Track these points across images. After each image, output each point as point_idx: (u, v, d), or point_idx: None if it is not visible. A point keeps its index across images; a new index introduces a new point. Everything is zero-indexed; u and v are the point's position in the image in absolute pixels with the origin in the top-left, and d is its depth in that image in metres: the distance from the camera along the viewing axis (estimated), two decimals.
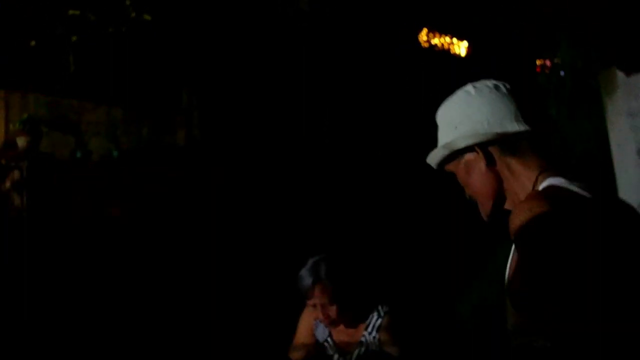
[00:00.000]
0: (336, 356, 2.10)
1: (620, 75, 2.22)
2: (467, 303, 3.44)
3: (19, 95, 3.80)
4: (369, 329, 2.04)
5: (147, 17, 3.49)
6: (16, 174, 3.66)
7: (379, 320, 2.04)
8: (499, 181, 1.17)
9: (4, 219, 3.57)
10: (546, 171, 1.11)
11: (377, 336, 2.02)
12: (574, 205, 0.98)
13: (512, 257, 1.09)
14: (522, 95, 1.18)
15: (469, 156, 1.19)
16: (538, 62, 2.91)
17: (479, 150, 1.17)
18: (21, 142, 3.72)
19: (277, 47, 3.87)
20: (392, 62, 3.51)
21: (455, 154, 1.20)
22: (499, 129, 1.15)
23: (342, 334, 2.10)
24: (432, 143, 1.24)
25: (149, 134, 4.00)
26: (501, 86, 1.20)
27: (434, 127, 1.25)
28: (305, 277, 2.06)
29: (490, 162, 1.16)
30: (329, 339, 2.13)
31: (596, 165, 2.60)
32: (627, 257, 0.93)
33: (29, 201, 3.66)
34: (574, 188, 1.04)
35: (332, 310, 2.02)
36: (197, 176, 4.00)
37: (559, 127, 2.61)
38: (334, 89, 3.72)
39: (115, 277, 3.71)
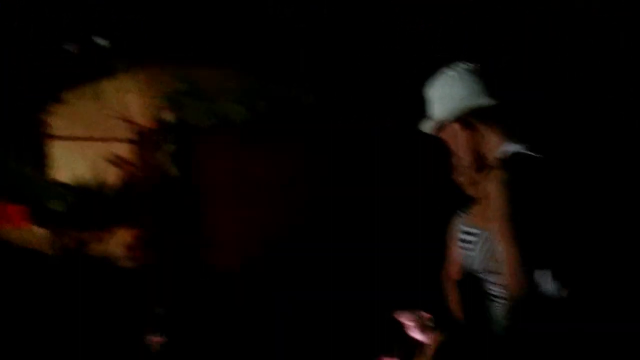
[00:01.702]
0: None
1: None
2: None
3: (159, 71, 4.08)
4: None
5: None
6: (169, 147, 4.04)
7: None
8: (477, 145, 1.48)
9: (163, 188, 4.01)
10: (510, 138, 1.44)
11: None
12: (525, 168, 1.35)
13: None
14: (496, 75, 1.51)
15: (453, 126, 1.50)
16: None
17: (460, 121, 1.47)
18: (167, 116, 4.07)
19: None
20: None
21: (443, 125, 1.51)
22: (475, 104, 1.45)
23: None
24: None
25: (282, 95, 4.18)
26: (477, 67, 1.50)
27: None
28: None
29: (470, 131, 1.48)
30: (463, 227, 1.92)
31: None
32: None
33: (183, 170, 4.06)
34: (528, 152, 1.39)
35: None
36: (330, 132, 4.17)
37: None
38: None
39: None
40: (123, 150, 4.02)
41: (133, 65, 4.05)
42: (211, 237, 4.06)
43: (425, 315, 1.87)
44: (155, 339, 3.34)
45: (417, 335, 1.82)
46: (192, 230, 4.04)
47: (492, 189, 1.37)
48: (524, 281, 1.34)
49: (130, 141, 3.97)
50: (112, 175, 4.05)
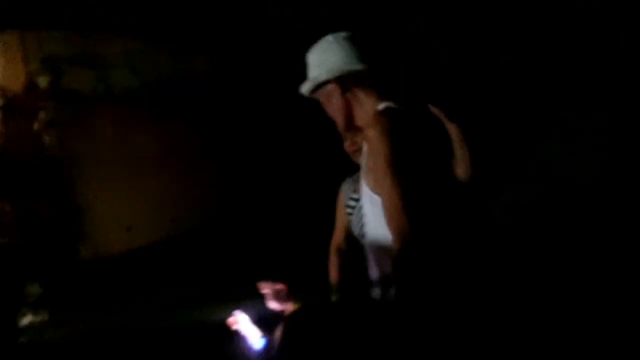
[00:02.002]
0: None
1: None
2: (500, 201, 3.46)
3: (34, 34, 3.74)
4: None
5: None
6: (43, 114, 3.69)
7: None
8: (350, 106, 1.59)
9: (37, 159, 3.64)
10: (380, 98, 1.55)
11: None
12: (399, 118, 1.48)
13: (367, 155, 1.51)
14: (368, 44, 1.62)
15: (329, 87, 1.60)
16: None
17: (335, 83, 1.57)
18: (43, 82, 3.72)
19: None
20: None
21: (319, 86, 1.61)
22: (349, 67, 1.56)
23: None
24: None
25: (169, 62, 3.97)
26: (351, 35, 1.61)
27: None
28: None
29: (344, 92, 1.58)
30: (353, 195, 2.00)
31: None
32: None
33: (60, 140, 3.72)
34: (397, 107, 1.53)
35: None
36: (219, 101, 4.00)
37: None
38: None
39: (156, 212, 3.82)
40: None
41: (5, 26, 3.68)
42: (92, 214, 3.75)
43: (280, 286, 1.85)
44: (31, 318, 2.99)
45: (274, 305, 1.81)
46: (67, 207, 3.71)
47: (370, 142, 1.46)
48: (408, 229, 1.36)
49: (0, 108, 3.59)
50: None
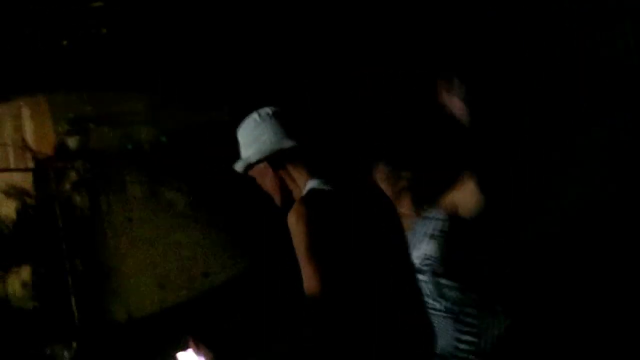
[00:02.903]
0: None
1: None
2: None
3: (60, 95, 3.80)
4: None
5: None
6: (73, 175, 3.71)
7: None
8: (283, 183, 1.62)
9: (69, 221, 3.65)
10: (311, 175, 1.58)
11: None
12: (322, 202, 1.51)
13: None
14: (296, 118, 1.63)
15: (260, 166, 1.62)
16: None
17: (266, 163, 1.60)
18: (72, 142, 3.75)
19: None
20: None
21: (251, 165, 1.64)
22: (278, 146, 1.58)
23: None
24: None
25: (193, 114, 3.93)
26: (279, 112, 1.63)
27: None
28: None
29: (275, 170, 1.61)
30: None
31: None
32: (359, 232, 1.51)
33: (91, 201, 3.72)
34: (325, 187, 1.54)
35: None
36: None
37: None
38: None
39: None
40: (21, 181, 3.67)
41: (33, 89, 3.75)
42: (123, 273, 3.72)
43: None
44: None
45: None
46: (98, 266, 3.69)
47: (290, 228, 1.47)
48: (324, 318, 1.39)
49: (29, 171, 3.64)
50: (8, 209, 3.67)
